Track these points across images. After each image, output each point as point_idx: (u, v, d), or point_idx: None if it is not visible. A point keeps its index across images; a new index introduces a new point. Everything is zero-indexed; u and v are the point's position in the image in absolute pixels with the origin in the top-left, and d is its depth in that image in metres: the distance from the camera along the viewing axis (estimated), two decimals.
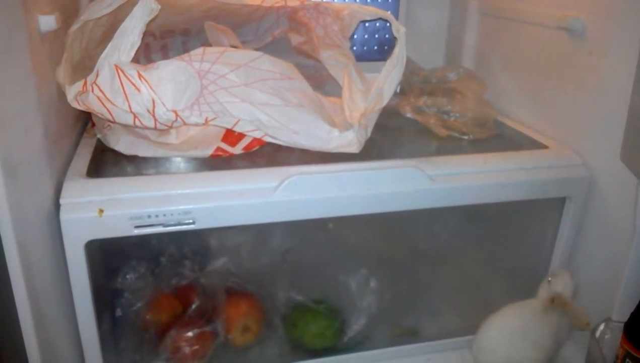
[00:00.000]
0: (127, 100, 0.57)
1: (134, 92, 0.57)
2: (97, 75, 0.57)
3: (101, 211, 0.59)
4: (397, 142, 0.81)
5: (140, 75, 0.57)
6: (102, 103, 0.58)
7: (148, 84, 0.57)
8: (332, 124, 0.68)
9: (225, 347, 0.74)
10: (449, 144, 0.81)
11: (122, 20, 0.58)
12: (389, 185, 0.68)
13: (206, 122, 0.61)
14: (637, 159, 0.59)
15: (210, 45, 0.78)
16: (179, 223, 0.62)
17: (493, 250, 0.84)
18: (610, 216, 0.74)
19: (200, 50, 0.61)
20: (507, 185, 0.73)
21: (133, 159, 0.68)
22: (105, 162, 0.68)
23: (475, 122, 0.88)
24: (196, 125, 0.63)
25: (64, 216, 0.58)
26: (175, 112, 0.59)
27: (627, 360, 0.62)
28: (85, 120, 0.80)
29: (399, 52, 0.68)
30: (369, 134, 0.70)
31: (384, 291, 0.79)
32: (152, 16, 0.57)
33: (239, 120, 0.62)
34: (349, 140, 0.65)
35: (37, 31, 0.58)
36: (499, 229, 0.83)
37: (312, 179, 0.66)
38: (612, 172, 0.71)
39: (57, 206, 0.59)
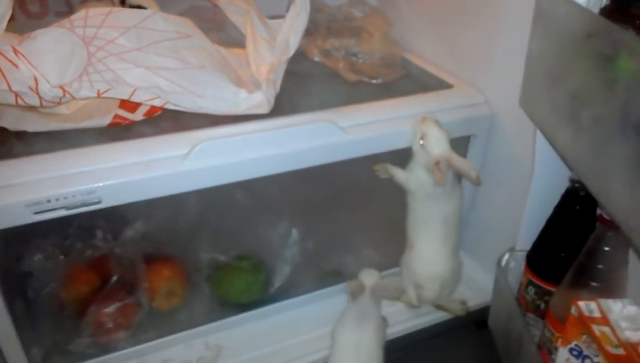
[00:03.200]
0: (5, 79, 0.51)
1: (12, 69, 0.51)
2: None
3: None
4: (307, 91, 0.79)
5: (15, 51, 0.50)
6: None
7: (26, 59, 0.51)
8: (239, 83, 0.65)
9: (151, 314, 0.74)
10: (359, 90, 0.81)
11: None
12: (303, 142, 0.68)
13: (98, 95, 0.56)
14: (534, 107, 0.62)
15: None
16: (84, 204, 0.58)
17: (405, 190, 0.87)
18: (511, 152, 0.78)
19: (82, 13, 0.55)
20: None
21: (22, 136, 0.62)
22: None
23: (383, 62, 0.88)
24: (88, 98, 0.58)
25: None
26: (62, 87, 0.53)
27: (530, 287, 0.69)
28: None
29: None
30: (277, 89, 0.68)
31: (306, 240, 0.80)
32: None
33: (135, 90, 0.57)
34: (258, 102, 0.63)
35: None
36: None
37: (223, 143, 0.63)
38: (513, 110, 0.74)
39: None
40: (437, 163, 0.68)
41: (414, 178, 0.74)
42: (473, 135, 0.81)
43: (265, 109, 0.64)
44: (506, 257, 0.73)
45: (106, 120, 0.63)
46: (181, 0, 0.88)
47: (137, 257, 0.74)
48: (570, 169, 0.62)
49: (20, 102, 0.53)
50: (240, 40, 0.81)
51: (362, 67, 0.86)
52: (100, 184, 0.58)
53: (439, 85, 0.83)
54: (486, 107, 0.80)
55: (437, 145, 0.70)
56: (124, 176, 0.59)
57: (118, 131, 0.64)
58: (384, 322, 0.75)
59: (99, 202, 0.59)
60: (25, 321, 0.67)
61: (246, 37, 0.73)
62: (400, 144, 0.74)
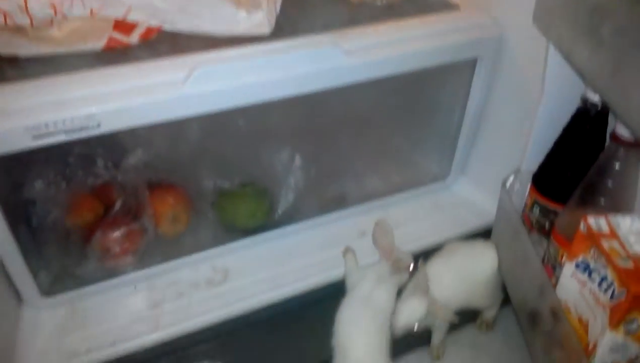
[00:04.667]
0: None
1: None
2: None
3: None
4: (308, 12, 0.76)
5: None
6: None
7: None
8: (237, 3, 0.62)
9: (157, 240, 0.75)
10: (362, 12, 0.78)
11: None
12: (306, 65, 0.65)
13: (92, 14, 0.53)
14: (549, 23, 0.59)
15: None
16: (83, 129, 0.57)
17: (408, 116, 0.86)
18: (520, 73, 0.76)
19: None
20: (422, 53, 0.72)
21: (13, 61, 0.60)
22: None
23: None
24: (80, 18, 0.55)
25: None
26: (53, 6, 0.51)
27: (535, 207, 0.69)
28: None
29: None
30: (278, 10, 0.65)
31: (309, 165, 0.80)
32: None
33: (129, 8, 0.55)
34: (259, 21, 0.60)
35: None
36: (413, 96, 0.83)
37: (223, 66, 0.61)
38: (523, 30, 0.71)
39: None
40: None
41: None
42: (480, 58, 0.78)
43: (265, 30, 0.62)
44: (511, 178, 0.73)
45: (101, 44, 0.60)
46: None
47: (140, 183, 0.74)
48: (588, 84, 0.60)
49: (9, 22, 0.51)
50: None
51: None
52: (99, 108, 0.57)
53: (444, 6, 0.80)
54: (494, 28, 0.77)
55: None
56: (122, 101, 0.58)
57: (114, 55, 0.61)
58: None
59: (98, 127, 0.58)
60: (32, 247, 0.67)
61: None
62: (404, 67, 0.72)
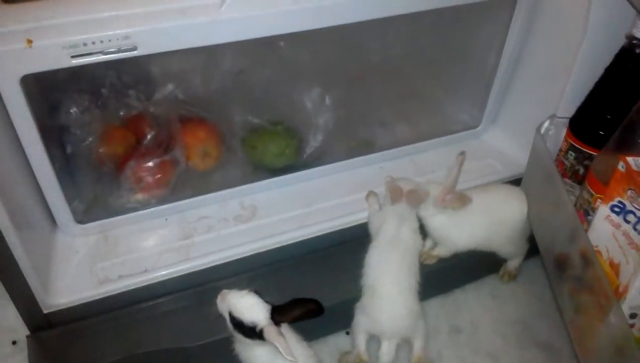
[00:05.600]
0: None
1: None
2: None
3: (30, 41, 0.53)
4: None
5: None
6: None
7: None
8: None
9: (187, 173, 0.75)
10: None
11: None
12: None
13: None
14: None
15: None
16: (119, 50, 0.57)
17: (441, 59, 0.84)
18: (561, 12, 0.73)
19: None
20: None
21: None
22: None
23: None
24: None
25: None
26: None
27: (571, 152, 0.68)
28: None
29: None
30: None
31: (339, 107, 0.79)
32: None
33: None
34: None
35: None
36: (447, 35, 0.81)
37: None
38: None
39: None
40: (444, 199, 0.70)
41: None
42: None
43: None
44: (546, 123, 0.72)
45: None
46: None
47: (172, 116, 0.74)
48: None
49: None
50: None
51: None
52: (137, 29, 0.56)
53: None
54: None
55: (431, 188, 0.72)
56: (159, 22, 0.57)
57: None
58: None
59: (135, 49, 0.57)
60: (66, 174, 0.68)
61: None
62: (443, 1, 0.70)
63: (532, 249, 0.77)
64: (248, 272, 0.73)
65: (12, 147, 0.61)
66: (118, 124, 0.73)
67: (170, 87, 0.74)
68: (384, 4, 0.66)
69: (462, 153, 0.72)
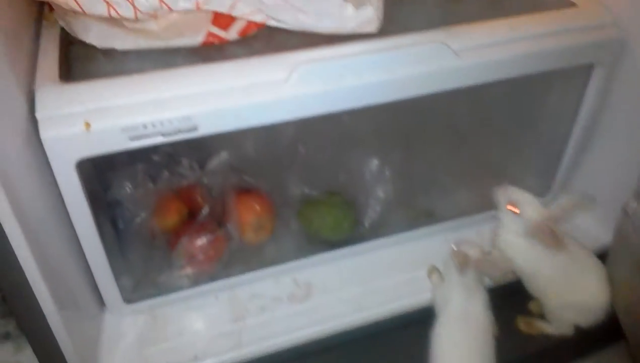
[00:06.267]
0: None
1: None
2: None
3: (88, 125, 0.50)
4: (407, 6, 0.70)
5: None
6: None
7: None
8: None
9: (240, 247, 0.71)
10: (467, 6, 0.71)
11: None
12: (413, 67, 0.60)
13: (197, 7, 0.50)
14: None
15: None
16: (180, 131, 0.54)
17: (509, 125, 0.79)
18: None
19: None
20: (535, 55, 0.65)
21: (110, 54, 0.57)
22: (78, 59, 0.57)
23: None
24: (185, 11, 0.52)
25: (44, 134, 0.49)
26: None
27: None
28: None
29: None
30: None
31: (399, 176, 0.74)
32: None
33: (236, 1, 0.51)
34: (368, 18, 0.55)
35: None
36: (516, 102, 0.76)
37: (327, 66, 0.57)
38: None
39: (33, 122, 0.50)
40: (542, 228, 0.63)
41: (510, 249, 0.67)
42: (597, 64, 0.70)
43: (374, 27, 0.57)
44: (634, 204, 0.65)
45: (199, 39, 0.57)
46: None
47: (226, 186, 0.70)
48: None
49: (112, 13, 0.48)
50: None
51: None
52: (197, 110, 0.53)
53: (559, 3, 0.72)
54: (615, 29, 0.69)
55: (532, 209, 0.65)
56: (222, 102, 0.54)
57: (210, 51, 0.58)
58: None
59: (195, 129, 0.54)
60: (116, 251, 0.65)
61: None
62: (515, 71, 0.66)
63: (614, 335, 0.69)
64: (304, 359, 0.67)
65: (61, 224, 0.58)
66: (170, 195, 0.70)
67: (224, 155, 0.70)
68: (457, 76, 0.62)
69: (590, 197, 0.66)
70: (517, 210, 0.65)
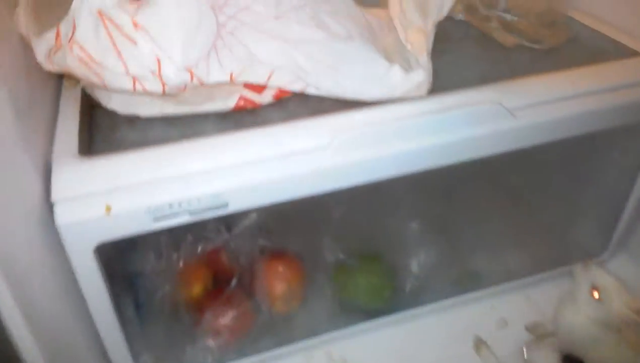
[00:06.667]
0: (122, 59, 0.41)
1: (129, 46, 0.40)
2: (75, 29, 0.39)
3: (109, 208, 0.45)
4: (455, 59, 0.64)
5: (135, 24, 0.39)
6: (87, 65, 0.41)
7: (147, 33, 0.40)
8: (388, 56, 0.51)
9: (269, 319, 0.65)
10: (519, 57, 0.65)
11: None
12: (465, 130, 0.54)
13: (231, 80, 0.44)
14: None
15: None
16: (209, 209, 0.48)
17: (563, 183, 0.72)
18: None
19: None
20: (601, 112, 0.59)
21: (134, 121, 0.52)
22: (99, 127, 0.53)
23: (542, 21, 0.71)
24: (218, 84, 0.46)
25: (60, 220, 0.44)
26: (190, 71, 0.42)
27: None
28: None
29: None
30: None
31: (442, 238, 0.68)
32: None
33: (273, 72, 0.45)
34: (419, 83, 0.49)
35: None
36: (572, 159, 0.70)
37: (371, 131, 0.51)
38: None
39: (48, 203, 0.45)
40: (629, 323, 0.57)
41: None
42: None
43: (424, 91, 0.51)
44: None
45: (230, 103, 0.52)
46: None
47: (255, 252, 0.65)
48: None
49: (138, 87, 0.43)
50: None
51: (518, 26, 0.70)
52: (229, 186, 0.48)
53: (620, 52, 0.66)
54: None
55: (620, 299, 0.58)
56: (256, 174, 0.49)
57: (244, 117, 0.53)
58: None
59: (226, 206, 0.49)
60: (135, 327, 0.59)
61: None
62: (575, 130, 0.59)
63: None
64: None
65: (75, 306, 0.52)
66: (194, 261, 0.65)
67: (253, 216, 0.65)
68: (512, 138, 0.56)
69: None
70: (599, 296, 0.58)
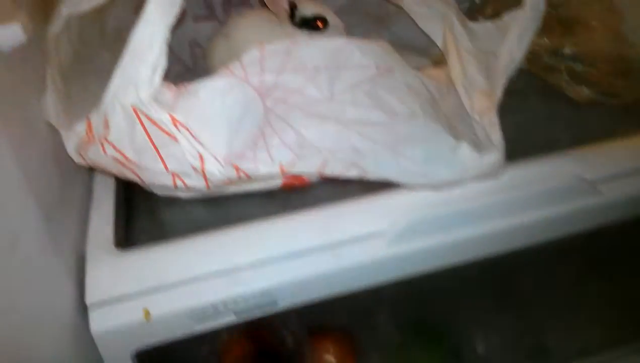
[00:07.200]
0: (160, 156, 0.36)
1: (169, 143, 0.36)
2: (107, 127, 0.35)
3: (148, 313, 0.40)
4: (521, 119, 0.57)
5: (175, 122, 0.35)
6: (123, 164, 0.37)
7: (188, 130, 0.35)
8: (451, 126, 0.46)
9: None
10: (593, 116, 0.58)
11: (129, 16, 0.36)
12: (541, 208, 0.48)
13: (282, 172, 0.40)
14: None
15: None
16: (256, 308, 0.44)
17: None
18: None
19: (255, 53, 0.38)
20: None
21: (173, 204, 0.48)
22: (137, 209, 0.49)
23: (614, 70, 0.64)
24: (268, 179, 0.42)
25: (96, 327, 0.40)
26: (236, 167, 0.38)
27: None
28: None
29: None
30: None
31: (508, 312, 0.62)
32: (176, 16, 0.34)
33: (326, 160, 0.40)
34: (492, 164, 0.43)
35: None
36: None
37: (437, 213, 0.45)
38: None
39: (82, 304, 0.41)
40: None
41: None
42: None
43: (498, 173, 0.45)
44: None
45: (277, 182, 0.47)
46: None
47: (300, 327, 0.60)
48: None
49: (179, 184, 0.39)
50: (411, 41, 0.62)
51: (589, 78, 0.63)
52: (278, 282, 0.43)
53: None
54: None
55: None
56: (306, 268, 0.44)
57: (292, 197, 0.48)
58: None
59: (275, 304, 0.44)
60: None
61: (446, 52, 0.53)
62: None
63: None
64: None
65: None
66: (236, 336, 0.60)
67: None
68: (596, 214, 0.50)
69: None
70: None
